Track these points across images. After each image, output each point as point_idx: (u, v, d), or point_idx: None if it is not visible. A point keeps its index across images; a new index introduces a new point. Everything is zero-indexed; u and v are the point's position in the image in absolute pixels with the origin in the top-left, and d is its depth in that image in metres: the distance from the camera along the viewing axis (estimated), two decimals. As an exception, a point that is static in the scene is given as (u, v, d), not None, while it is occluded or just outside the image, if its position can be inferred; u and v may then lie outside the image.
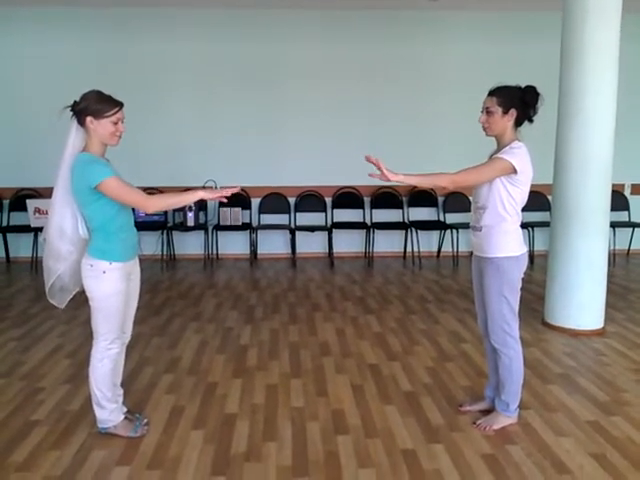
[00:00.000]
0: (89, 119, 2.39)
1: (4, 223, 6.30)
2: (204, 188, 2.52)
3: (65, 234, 2.47)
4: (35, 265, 6.02)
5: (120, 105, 2.45)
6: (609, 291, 4.26)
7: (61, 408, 2.94)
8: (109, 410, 2.61)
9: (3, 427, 2.74)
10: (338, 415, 2.87)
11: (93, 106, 2.39)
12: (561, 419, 2.83)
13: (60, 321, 4.30)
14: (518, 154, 2.53)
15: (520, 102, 2.55)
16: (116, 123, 2.43)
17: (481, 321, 2.82)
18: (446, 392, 3.14)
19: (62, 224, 2.46)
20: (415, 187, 6.55)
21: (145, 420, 2.76)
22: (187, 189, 6.15)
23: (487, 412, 2.84)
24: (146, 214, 6.02)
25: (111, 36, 6.22)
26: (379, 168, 2.46)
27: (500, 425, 2.73)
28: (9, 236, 6.32)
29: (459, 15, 6.38)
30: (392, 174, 2.45)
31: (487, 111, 2.60)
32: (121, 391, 2.71)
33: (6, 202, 6.33)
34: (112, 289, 2.47)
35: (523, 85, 2.58)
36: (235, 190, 2.46)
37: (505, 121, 2.57)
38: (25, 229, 5.94)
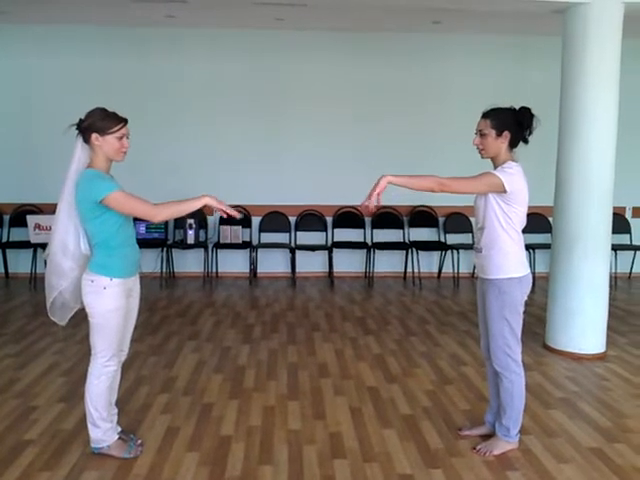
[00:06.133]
0: (94, 136, 2.41)
1: (4, 239, 6.28)
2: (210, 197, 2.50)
3: (68, 250, 2.47)
4: (34, 281, 5.98)
5: (124, 121, 2.46)
6: (611, 314, 4.22)
7: (54, 427, 2.89)
8: (103, 430, 2.57)
9: (-5, 446, 2.70)
10: (335, 438, 2.82)
11: (98, 123, 2.41)
12: (563, 445, 2.78)
13: (57, 339, 4.25)
14: (509, 173, 2.52)
15: (514, 124, 2.56)
16: (121, 139, 2.44)
17: (484, 344, 2.79)
18: (446, 416, 3.09)
19: (65, 240, 2.46)
20: (416, 207, 6.55)
21: (139, 441, 2.72)
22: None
23: (487, 437, 2.79)
24: (146, 229, 6.08)
25: (116, 55, 6.27)
26: (371, 195, 2.43)
27: (500, 450, 2.69)
28: (8, 252, 6.28)
29: (460, 38, 6.44)
30: (380, 185, 2.42)
31: (481, 134, 2.61)
32: (115, 410, 2.67)
33: (6, 217, 6.32)
34: (112, 305, 2.46)
35: (518, 107, 2.59)
36: (236, 215, 2.43)
37: (499, 143, 2.58)
38: (25, 245, 5.93)
